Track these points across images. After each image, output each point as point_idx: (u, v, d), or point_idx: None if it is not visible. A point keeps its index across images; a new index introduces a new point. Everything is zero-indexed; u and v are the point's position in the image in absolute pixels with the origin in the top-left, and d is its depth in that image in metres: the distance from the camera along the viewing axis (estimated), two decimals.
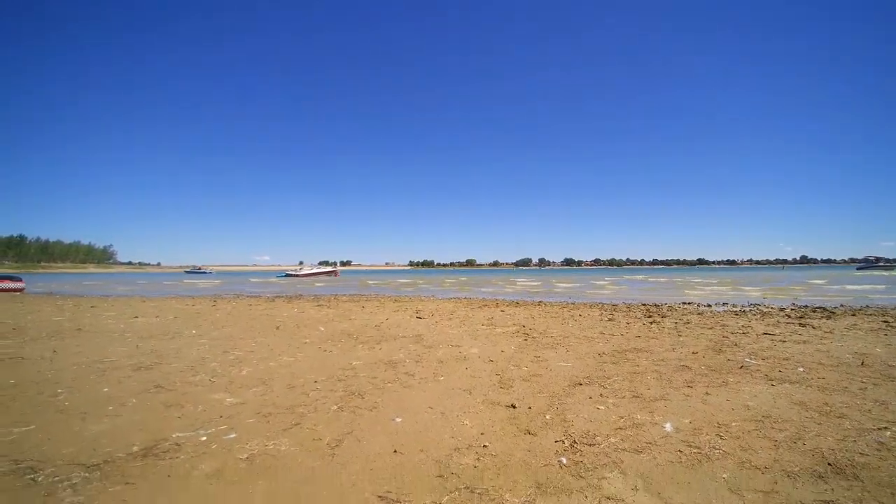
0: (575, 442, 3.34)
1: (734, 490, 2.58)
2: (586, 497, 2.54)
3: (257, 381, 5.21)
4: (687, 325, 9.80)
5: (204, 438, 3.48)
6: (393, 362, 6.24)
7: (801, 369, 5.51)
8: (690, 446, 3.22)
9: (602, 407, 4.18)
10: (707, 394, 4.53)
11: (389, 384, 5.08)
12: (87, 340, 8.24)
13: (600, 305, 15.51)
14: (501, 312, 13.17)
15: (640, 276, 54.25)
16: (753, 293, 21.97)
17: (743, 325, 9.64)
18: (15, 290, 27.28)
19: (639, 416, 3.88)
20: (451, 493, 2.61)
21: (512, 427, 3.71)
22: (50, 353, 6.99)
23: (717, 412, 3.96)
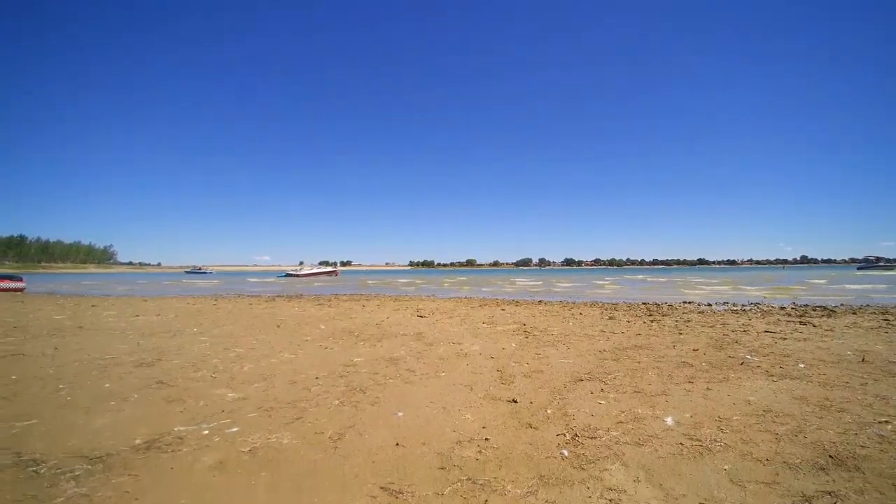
0: (576, 435, 3.35)
1: (736, 481, 2.59)
2: (588, 488, 2.55)
3: (259, 377, 5.22)
4: (687, 324, 9.80)
5: (206, 432, 3.49)
6: (394, 359, 6.25)
7: (802, 365, 5.52)
8: (692, 439, 3.22)
9: (603, 402, 4.19)
10: (708, 389, 4.54)
11: (391, 380, 5.09)
12: (88, 338, 8.25)
13: (601, 304, 15.52)
14: (502, 311, 13.18)
15: (640, 276, 54.27)
16: (754, 293, 21.97)
17: (743, 324, 9.64)
18: (16, 289, 27.31)
19: (640, 411, 3.89)
20: (453, 484, 2.62)
21: (513, 421, 3.72)
22: (51, 350, 7.00)
23: (718, 407, 3.97)
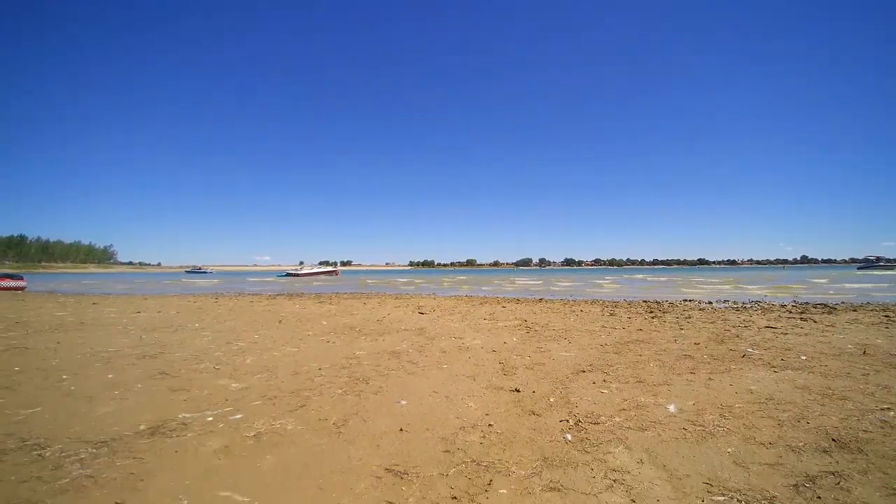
0: (579, 421, 3.36)
1: (739, 463, 2.60)
2: (592, 469, 2.56)
3: (261, 369, 5.23)
4: (688, 320, 9.81)
5: (210, 419, 3.50)
6: (396, 352, 6.26)
7: (804, 357, 5.53)
8: (694, 424, 3.23)
9: (605, 391, 4.20)
10: (710, 379, 4.55)
11: (393, 371, 5.10)
12: (91, 333, 8.26)
13: (601, 302, 15.52)
14: (503, 308, 13.19)
15: (640, 276, 54.27)
16: (754, 291, 21.97)
17: (744, 320, 9.65)
18: (16, 288, 27.31)
19: (642, 399, 3.90)
20: (457, 465, 2.63)
21: (516, 409, 3.73)
22: (54, 343, 7.02)
23: (720, 395, 3.98)
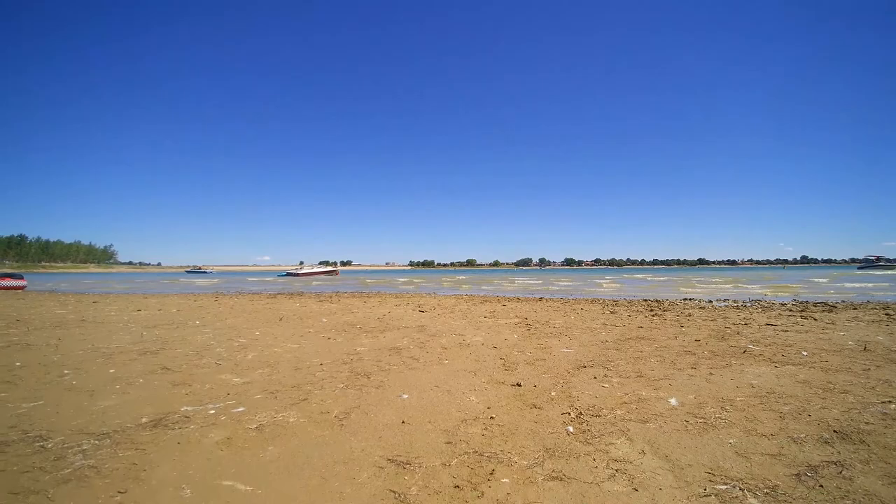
0: (581, 414, 3.36)
1: (741, 454, 2.60)
2: (594, 460, 2.56)
3: (263, 364, 5.24)
4: (689, 318, 9.82)
5: (213, 412, 3.50)
6: (397, 349, 6.26)
7: (805, 353, 5.53)
8: (696, 417, 3.24)
9: (606, 385, 4.21)
10: (711, 374, 4.55)
11: (394, 367, 5.11)
12: (92, 330, 8.27)
13: (601, 301, 15.53)
14: (503, 307, 13.19)
15: (640, 276, 54.26)
16: (755, 290, 21.97)
17: (745, 318, 9.66)
18: (17, 287, 27.31)
19: (643, 393, 3.90)
20: (459, 456, 2.63)
21: (518, 402, 3.73)
22: (55, 340, 7.02)
23: (721, 389, 3.99)
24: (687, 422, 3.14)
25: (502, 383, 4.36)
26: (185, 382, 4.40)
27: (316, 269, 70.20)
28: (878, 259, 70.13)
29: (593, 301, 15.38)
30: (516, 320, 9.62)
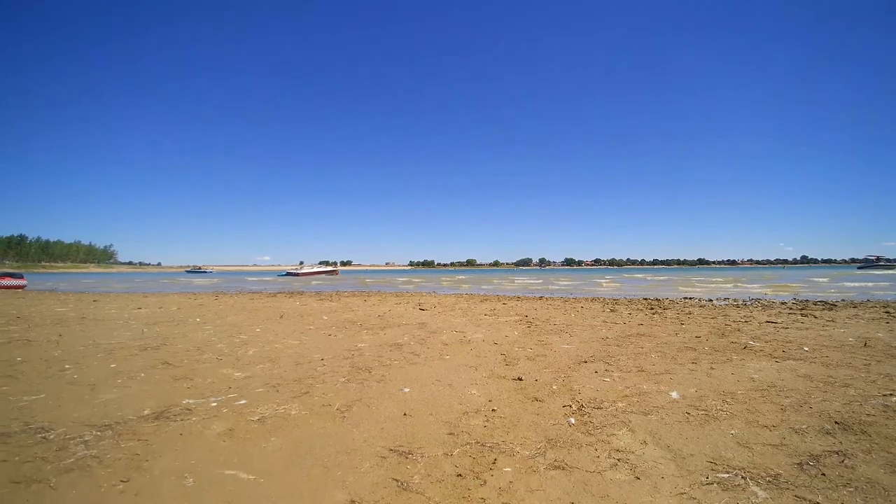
0: (582, 406, 3.36)
1: (743, 444, 2.61)
2: (596, 450, 2.56)
3: (264, 359, 5.24)
4: (689, 315, 9.82)
5: (214, 404, 3.50)
6: (398, 345, 6.26)
7: (806, 349, 5.54)
8: (697, 409, 3.24)
9: (607, 379, 4.21)
10: (712, 368, 4.56)
11: (395, 362, 5.11)
12: (92, 327, 8.27)
13: (601, 299, 15.53)
14: (503, 305, 13.19)
15: (640, 275, 54.27)
16: (755, 289, 21.98)
17: (745, 315, 9.66)
18: (17, 287, 27.30)
19: (644, 387, 3.91)
20: (462, 446, 2.64)
21: (519, 395, 3.73)
22: (56, 336, 7.02)
23: (722, 383, 3.99)
24: (688, 414, 3.15)
25: (503, 378, 4.37)
26: (186, 377, 4.40)
27: (316, 269, 70.16)
28: (878, 259, 70.08)
29: (593, 300, 15.39)
30: (517, 318, 9.63)
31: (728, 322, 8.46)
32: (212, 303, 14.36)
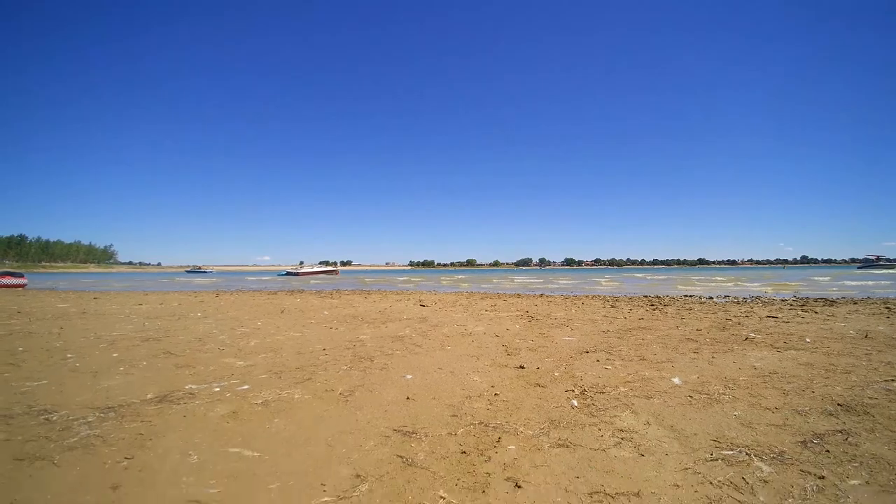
0: (585, 391, 3.37)
1: (746, 424, 2.61)
2: (599, 430, 2.57)
3: (266, 350, 5.24)
4: (690, 311, 9.82)
5: (217, 389, 3.50)
6: (400, 337, 6.27)
7: (807, 340, 5.54)
8: (700, 393, 3.24)
9: (609, 367, 4.21)
10: (713, 357, 4.56)
11: (397, 352, 5.11)
12: (93, 321, 8.27)
13: (602, 297, 15.54)
14: (504, 302, 13.19)
15: (640, 275, 54.30)
16: (755, 288, 21.99)
17: (746, 311, 9.67)
18: (17, 286, 27.28)
19: (646, 374, 3.91)
20: (465, 426, 2.64)
21: (521, 382, 3.74)
22: (57, 329, 7.02)
23: (723, 370, 3.99)
24: (691, 397, 3.15)
25: (505, 366, 4.37)
26: (188, 365, 4.40)
27: (316, 269, 70.13)
28: (878, 259, 70.05)
29: (594, 297, 15.39)
30: (517, 313, 9.63)
31: (729, 317, 8.47)
32: (212, 299, 14.36)
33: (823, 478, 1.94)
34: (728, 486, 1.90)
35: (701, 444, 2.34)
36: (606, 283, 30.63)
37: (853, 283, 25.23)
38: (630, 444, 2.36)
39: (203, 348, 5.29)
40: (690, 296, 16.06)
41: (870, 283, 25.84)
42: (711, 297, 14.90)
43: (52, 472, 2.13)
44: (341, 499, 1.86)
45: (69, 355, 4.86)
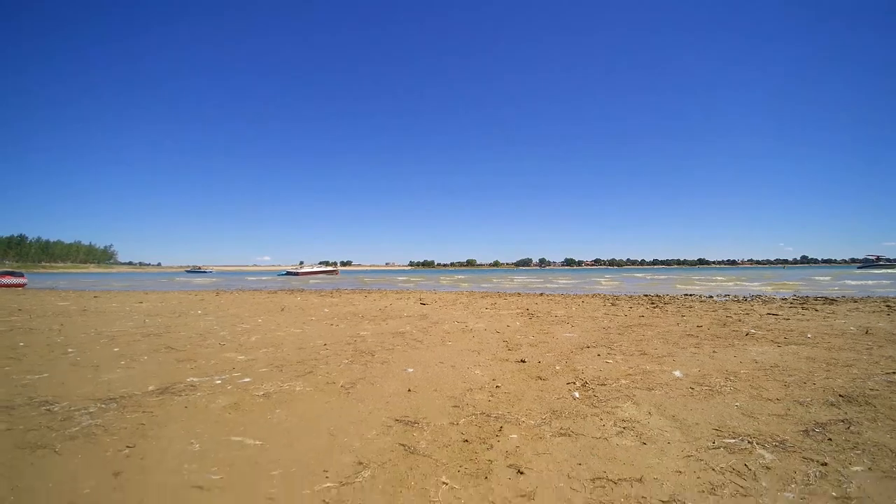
0: (586, 383, 3.37)
1: (748, 414, 2.61)
2: (601, 420, 2.57)
3: (267, 345, 5.24)
4: (690, 309, 9.82)
5: (219, 382, 3.50)
6: (400, 332, 6.27)
7: (809, 336, 5.54)
8: (701, 386, 3.24)
9: (610, 361, 4.21)
10: (714, 352, 4.56)
11: (398, 347, 5.11)
12: (94, 318, 8.27)
13: (602, 295, 15.54)
14: (504, 300, 13.19)
15: (640, 274, 54.34)
16: (755, 287, 21.98)
17: (746, 309, 9.67)
18: (17, 285, 27.28)
19: (647, 367, 3.91)
20: (467, 417, 2.64)
21: (523, 375, 3.74)
22: (58, 325, 7.02)
23: (724, 364, 3.99)
24: (692, 389, 3.15)
25: (506, 360, 4.37)
26: (189, 359, 4.41)
27: (316, 269, 70.11)
28: (878, 259, 70.03)
29: (594, 296, 15.40)
30: (518, 311, 9.63)
31: (729, 314, 8.47)
32: (213, 298, 14.37)
33: (826, 464, 1.95)
34: (730, 472, 1.90)
35: (703, 433, 2.34)
36: (606, 282, 30.63)
37: (853, 283, 25.22)
38: (632, 433, 2.36)
39: (204, 343, 5.29)
40: (691, 294, 16.06)
41: (870, 282, 25.84)
42: (712, 296, 14.91)
43: (54, 460, 2.13)
44: (344, 484, 1.86)
45: (70, 350, 4.86)
